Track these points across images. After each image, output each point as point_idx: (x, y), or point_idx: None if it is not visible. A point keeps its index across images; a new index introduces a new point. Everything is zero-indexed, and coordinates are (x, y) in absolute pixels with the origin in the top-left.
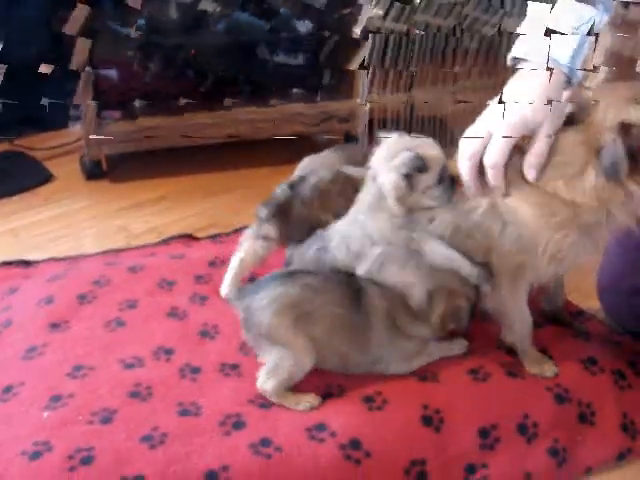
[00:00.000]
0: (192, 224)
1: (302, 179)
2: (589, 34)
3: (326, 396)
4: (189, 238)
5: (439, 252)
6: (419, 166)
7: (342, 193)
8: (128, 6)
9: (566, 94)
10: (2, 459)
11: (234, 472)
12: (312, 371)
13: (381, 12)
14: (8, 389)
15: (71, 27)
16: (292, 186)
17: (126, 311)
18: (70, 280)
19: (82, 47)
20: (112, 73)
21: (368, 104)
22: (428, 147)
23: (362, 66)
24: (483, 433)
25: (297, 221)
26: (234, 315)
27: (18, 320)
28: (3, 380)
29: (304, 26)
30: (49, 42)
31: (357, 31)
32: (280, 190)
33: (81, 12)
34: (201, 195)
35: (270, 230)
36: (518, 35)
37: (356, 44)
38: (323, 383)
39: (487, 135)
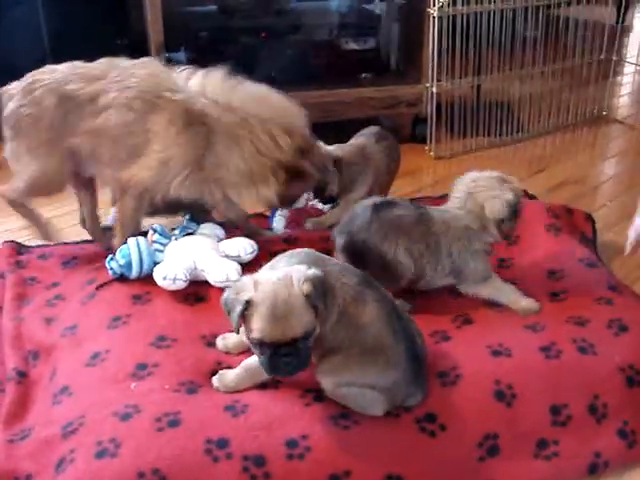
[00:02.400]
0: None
1: None
2: None
3: None
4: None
5: None
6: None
7: None
8: None
9: None
10: (94, 418)
11: (314, 441)
12: None
13: None
14: (95, 355)
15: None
16: None
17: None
18: None
19: (157, 30)
20: (185, 55)
21: (435, 88)
22: None
23: (430, 51)
24: (554, 410)
25: None
26: None
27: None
28: (90, 347)
29: (373, 11)
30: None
31: (427, 14)
32: None
33: None
34: None
35: None
36: None
37: (425, 29)
38: None
39: None
